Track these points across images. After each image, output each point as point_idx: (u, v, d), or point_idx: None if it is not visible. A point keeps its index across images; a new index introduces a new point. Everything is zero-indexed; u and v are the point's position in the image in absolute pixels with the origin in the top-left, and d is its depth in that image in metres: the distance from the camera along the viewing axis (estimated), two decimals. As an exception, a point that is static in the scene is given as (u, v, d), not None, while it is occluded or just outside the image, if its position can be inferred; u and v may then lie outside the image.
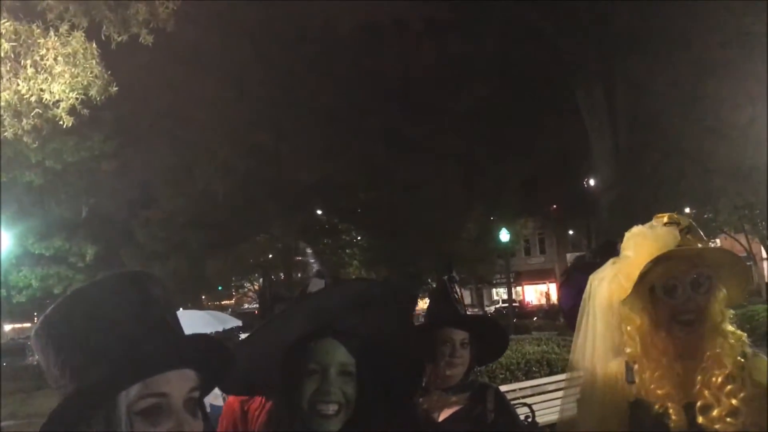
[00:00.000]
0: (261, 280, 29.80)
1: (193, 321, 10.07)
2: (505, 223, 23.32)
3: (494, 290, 35.94)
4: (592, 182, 21.13)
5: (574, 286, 3.04)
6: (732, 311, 2.03)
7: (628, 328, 2.10)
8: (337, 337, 1.67)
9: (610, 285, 2.14)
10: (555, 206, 28.48)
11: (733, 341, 1.98)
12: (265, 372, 1.71)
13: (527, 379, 7.22)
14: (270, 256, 28.27)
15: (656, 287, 2.01)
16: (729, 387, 1.90)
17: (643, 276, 2.02)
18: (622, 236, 2.21)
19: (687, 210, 23.55)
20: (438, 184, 18.68)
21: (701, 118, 15.62)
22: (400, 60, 20.90)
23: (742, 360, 1.96)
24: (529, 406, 4.74)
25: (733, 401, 1.88)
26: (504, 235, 23.30)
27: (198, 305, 24.86)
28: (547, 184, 22.38)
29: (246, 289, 33.47)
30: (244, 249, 24.49)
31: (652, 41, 15.46)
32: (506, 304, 19.59)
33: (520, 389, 6.72)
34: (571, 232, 34.53)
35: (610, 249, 2.59)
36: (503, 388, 5.78)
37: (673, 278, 2.00)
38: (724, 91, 14.59)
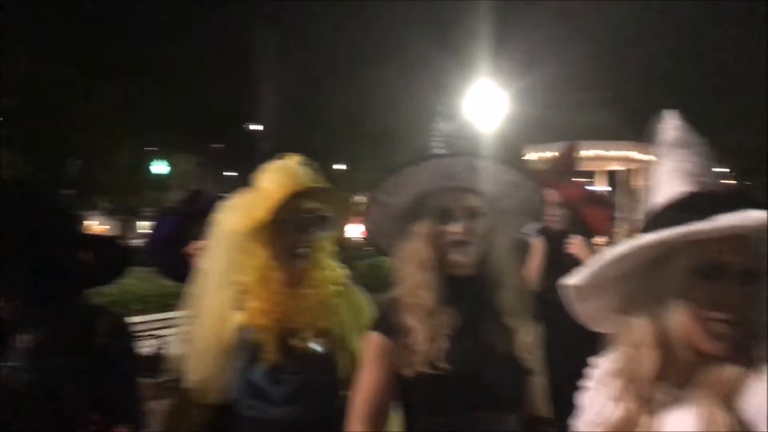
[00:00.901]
0: None
1: None
2: (162, 155, 22.51)
3: (140, 223, 34.53)
4: (253, 128, 21.51)
5: (158, 232, 3.07)
6: (336, 247, 2.27)
7: (247, 258, 2.20)
8: None
9: (236, 215, 2.20)
10: (218, 146, 28.41)
11: (331, 273, 2.22)
12: None
13: (162, 312, 7.16)
14: None
15: (284, 221, 2.15)
16: (322, 312, 2.12)
17: (275, 209, 2.13)
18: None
19: (337, 166, 25.51)
20: (91, 105, 17.14)
21: (366, 80, 16.98)
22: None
23: (337, 288, 2.21)
24: (161, 337, 4.72)
25: (324, 323, 2.11)
26: (161, 168, 22.49)
27: None
28: (211, 122, 22.15)
29: None
30: None
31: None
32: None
33: (154, 320, 6.65)
34: (231, 173, 34.81)
35: (198, 198, 2.70)
36: (137, 319, 5.65)
37: (301, 214, 2.16)
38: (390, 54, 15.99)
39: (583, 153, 15.46)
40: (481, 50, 14.04)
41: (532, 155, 16.81)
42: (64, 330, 2.42)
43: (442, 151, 2.13)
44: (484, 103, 14.17)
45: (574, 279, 1.24)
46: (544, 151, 15.92)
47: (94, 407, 2.52)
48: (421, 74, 15.49)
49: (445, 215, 1.84)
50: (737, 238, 1.12)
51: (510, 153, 15.54)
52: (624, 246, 1.18)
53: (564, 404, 1.48)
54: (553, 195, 3.45)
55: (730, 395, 1.13)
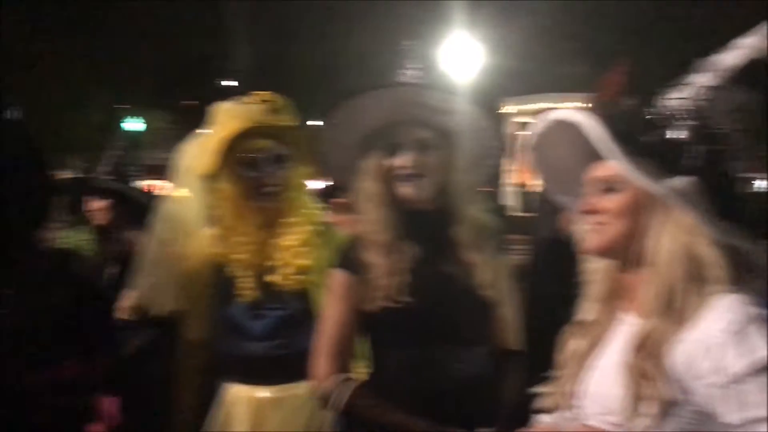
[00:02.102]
0: None
1: None
2: (135, 112, 22.10)
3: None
4: (230, 83, 21.18)
5: None
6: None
7: (216, 198, 2.21)
8: None
9: (194, 157, 2.20)
10: (191, 102, 28.02)
11: (308, 211, 2.23)
12: None
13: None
14: None
15: (238, 161, 2.14)
16: (302, 250, 2.14)
17: (226, 149, 2.12)
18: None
19: (312, 122, 25.30)
20: (59, 60, 16.69)
21: (334, 38, 16.73)
22: None
23: (318, 228, 2.22)
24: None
25: (304, 262, 2.13)
26: (135, 125, 22.09)
27: None
28: (185, 79, 21.77)
29: None
30: None
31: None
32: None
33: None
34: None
35: None
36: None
37: (254, 153, 2.14)
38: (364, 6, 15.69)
39: (562, 105, 15.53)
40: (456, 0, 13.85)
41: (509, 108, 16.79)
42: (38, 274, 2.43)
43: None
44: (459, 55, 14.05)
45: None
46: (521, 103, 15.93)
47: (72, 349, 2.56)
48: (395, 26, 15.27)
49: (394, 148, 1.82)
50: None
51: (486, 106, 15.48)
52: None
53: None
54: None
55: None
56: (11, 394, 1.67)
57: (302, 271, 2.16)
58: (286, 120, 2.23)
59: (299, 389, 2.13)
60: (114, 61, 18.26)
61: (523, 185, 17.58)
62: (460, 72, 14.15)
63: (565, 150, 1.34)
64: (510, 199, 15.05)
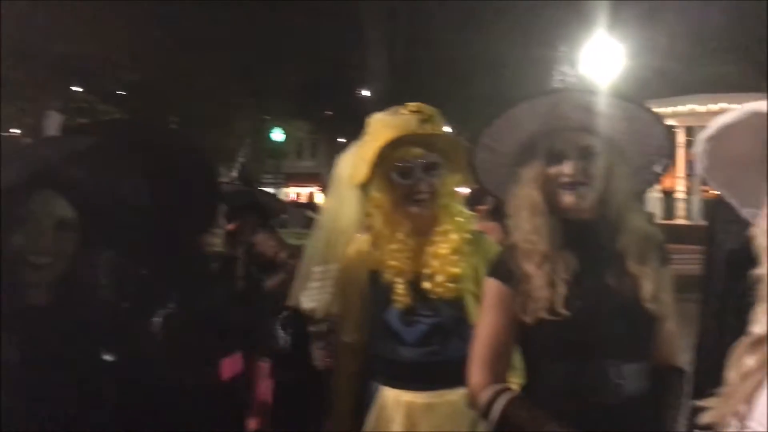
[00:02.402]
0: None
1: None
2: (279, 123, 23.20)
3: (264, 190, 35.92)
4: (365, 93, 21.69)
5: None
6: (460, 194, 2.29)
7: (371, 205, 2.29)
8: (57, 188, 1.57)
9: (351, 166, 2.29)
10: (329, 112, 28.99)
11: (460, 219, 2.25)
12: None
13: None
14: (19, 131, 25.30)
15: (392, 170, 2.20)
16: (453, 258, 2.16)
17: (380, 158, 2.19)
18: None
19: (447, 129, 25.30)
20: (211, 75, 17.87)
21: (470, 46, 16.68)
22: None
23: (468, 236, 2.24)
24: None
25: (456, 270, 2.16)
26: (278, 135, 23.21)
27: None
28: (324, 89, 22.56)
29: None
30: (-17, 120, 21.64)
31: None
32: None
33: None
34: (342, 140, 35.48)
35: None
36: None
37: (407, 161, 2.19)
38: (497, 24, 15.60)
39: (709, 107, 14.56)
40: (599, 3, 13.37)
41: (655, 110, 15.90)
42: (204, 276, 2.62)
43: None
44: (602, 56, 13.56)
45: None
46: (667, 105, 15.10)
47: (238, 345, 2.75)
48: (534, 30, 14.97)
49: (556, 156, 1.77)
50: None
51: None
52: None
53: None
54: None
55: None
56: (178, 390, 1.79)
57: (454, 279, 2.17)
58: (437, 129, 2.27)
59: (452, 396, 2.15)
60: (260, 75, 19.28)
61: (669, 191, 16.65)
62: (603, 74, 13.65)
63: (752, 150, 1.21)
64: (655, 205, 14.29)
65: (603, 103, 1.78)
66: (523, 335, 1.80)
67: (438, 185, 2.22)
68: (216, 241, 2.84)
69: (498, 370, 1.80)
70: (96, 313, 1.59)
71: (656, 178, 1.96)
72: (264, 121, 23.44)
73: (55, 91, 20.93)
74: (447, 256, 2.17)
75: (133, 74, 19.75)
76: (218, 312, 2.60)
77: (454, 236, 2.20)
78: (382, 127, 2.24)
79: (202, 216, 2.33)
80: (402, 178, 2.20)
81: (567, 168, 1.75)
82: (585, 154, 1.76)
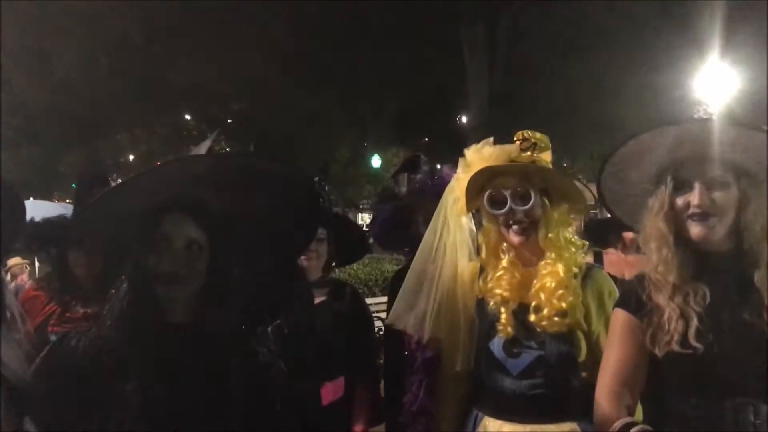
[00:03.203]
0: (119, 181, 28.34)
1: (45, 209, 9.44)
2: (377, 149, 23.55)
3: (360, 215, 36.72)
4: (464, 119, 21.69)
5: (378, 215, 3.23)
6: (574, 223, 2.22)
7: (481, 234, 2.28)
8: (186, 210, 1.64)
9: (456, 197, 2.29)
10: (426, 139, 29.15)
11: (568, 252, 2.17)
12: (120, 239, 1.67)
13: (384, 295, 7.51)
14: (131, 157, 26.95)
15: (488, 199, 2.19)
16: (560, 292, 2.10)
17: (475, 188, 2.20)
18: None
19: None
20: (314, 103, 18.40)
21: (573, 70, 16.38)
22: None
23: (577, 270, 2.17)
24: (383, 320, 4.95)
25: (562, 304, 2.09)
26: (375, 161, 23.54)
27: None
28: (422, 116, 22.72)
29: (103, 190, 31.68)
30: (102, 146, 23.19)
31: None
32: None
33: (376, 304, 6.99)
34: (439, 166, 35.52)
35: (411, 164, 2.79)
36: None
37: (497, 191, 2.18)
38: (602, 50, 15.27)
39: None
40: (711, 26, 12.85)
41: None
42: (307, 301, 2.65)
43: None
44: (716, 82, 13.00)
45: None
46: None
47: (340, 371, 2.75)
48: (639, 55, 14.52)
49: (682, 186, 1.73)
50: None
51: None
52: None
53: None
54: None
55: None
56: (279, 412, 1.81)
57: (562, 313, 2.11)
58: (540, 157, 2.23)
59: (555, 429, 2.10)
60: (361, 102, 19.68)
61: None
62: (717, 98, 13.08)
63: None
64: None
65: (733, 134, 1.70)
66: (653, 369, 1.75)
67: (537, 215, 2.17)
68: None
69: (627, 403, 1.75)
70: (226, 328, 1.65)
71: None
72: (363, 148, 23.85)
73: (168, 120, 22.19)
74: (553, 289, 2.11)
75: (240, 103, 20.63)
76: (323, 333, 2.63)
77: (560, 268, 2.13)
78: (476, 157, 2.26)
79: (305, 237, 2.37)
80: (493, 207, 2.20)
81: (694, 198, 1.70)
82: (713, 185, 1.70)
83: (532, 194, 2.17)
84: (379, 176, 25.37)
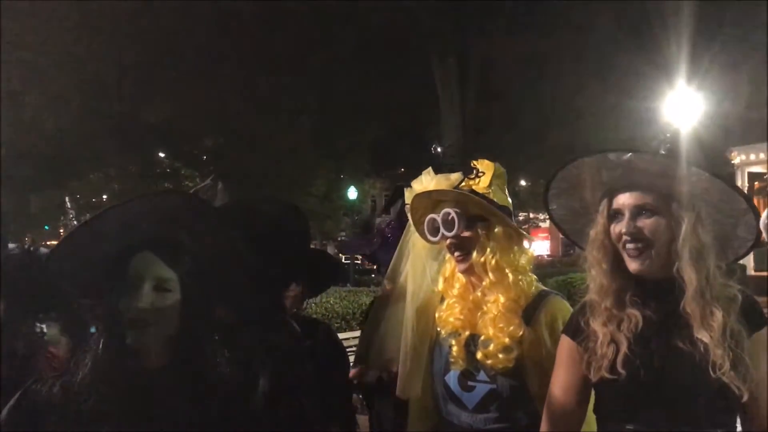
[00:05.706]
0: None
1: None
2: (353, 181, 23.58)
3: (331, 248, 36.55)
4: (439, 149, 21.85)
5: (364, 236, 3.20)
6: (527, 255, 2.17)
7: (436, 264, 2.28)
8: (155, 250, 1.58)
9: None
10: (402, 169, 29.32)
11: (514, 277, 2.10)
12: (90, 279, 1.62)
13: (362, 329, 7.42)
14: (104, 197, 26.64)
15: (421, 225, 2.20)
16: (500, 325, 2.04)
17: (416, 218, 2.21)
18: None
19: (522, 183, 25.09)
20: (288, 138, 18.42)
21: (543, 98, 16.66)
22: (260, 9, 20.16)
23: (522, 302, 2.09)
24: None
25: (506, 339, 2.03)
26: (352, 193, 23.55)
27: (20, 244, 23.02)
28: (396, 146, 22.87)
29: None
30: (75, 187, 22.94)
31: (506, 18, 16.14)
32: (348, 261, 19.96)
33: (354, 338, 6.89)
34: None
35: (398, 192, 2.77)
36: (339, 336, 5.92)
37: (431, 219, 2.18)
38: (568, 75, 15.55)
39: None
40: (677, 51, 13.14)
41: (737, 157, 15.42)
42: (286, 340, 2.57)
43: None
44: (683, 105, 13.25)
45: None
46: (753, 152, 14.54)
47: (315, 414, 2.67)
48: (610, 82, 14.78)
49: (616, 214, 1.74)
50: None
51: (712, 156, 14.36)
52: None
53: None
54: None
55: None
56: None
57: (505, 349, 2.04)
58: (467, 184, 2.17)
59: None
60: (336, 136, 19.76)
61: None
62: (684, 122, 13.32)
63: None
64: (748, 257, 13.58)
65: (661, 163, 1.71)
66: (595, 394, 1.79)
67: (469, 241, 2.12)
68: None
69: (567, 427, 1.81)
70: (210, 375, 1.59)
71: (748, 243, 1.82)
72: (339, 180, 23.90)
73: (142, 158, 22.01)
74: (496, 319, 2.06)
75: (215, 139, 20.56)
76: (300, 377, 2.54)
77: (501, 297, 2.09)
78: (418, 187, 2.28)
79: (286, 275, 2.33)
80: (429, 234, 2.19)
81: (622, 227, 1.71)
82: (640, 213, 1.70)
83: (457, 220, 2.11)
84: (356, 208, 25.41)
